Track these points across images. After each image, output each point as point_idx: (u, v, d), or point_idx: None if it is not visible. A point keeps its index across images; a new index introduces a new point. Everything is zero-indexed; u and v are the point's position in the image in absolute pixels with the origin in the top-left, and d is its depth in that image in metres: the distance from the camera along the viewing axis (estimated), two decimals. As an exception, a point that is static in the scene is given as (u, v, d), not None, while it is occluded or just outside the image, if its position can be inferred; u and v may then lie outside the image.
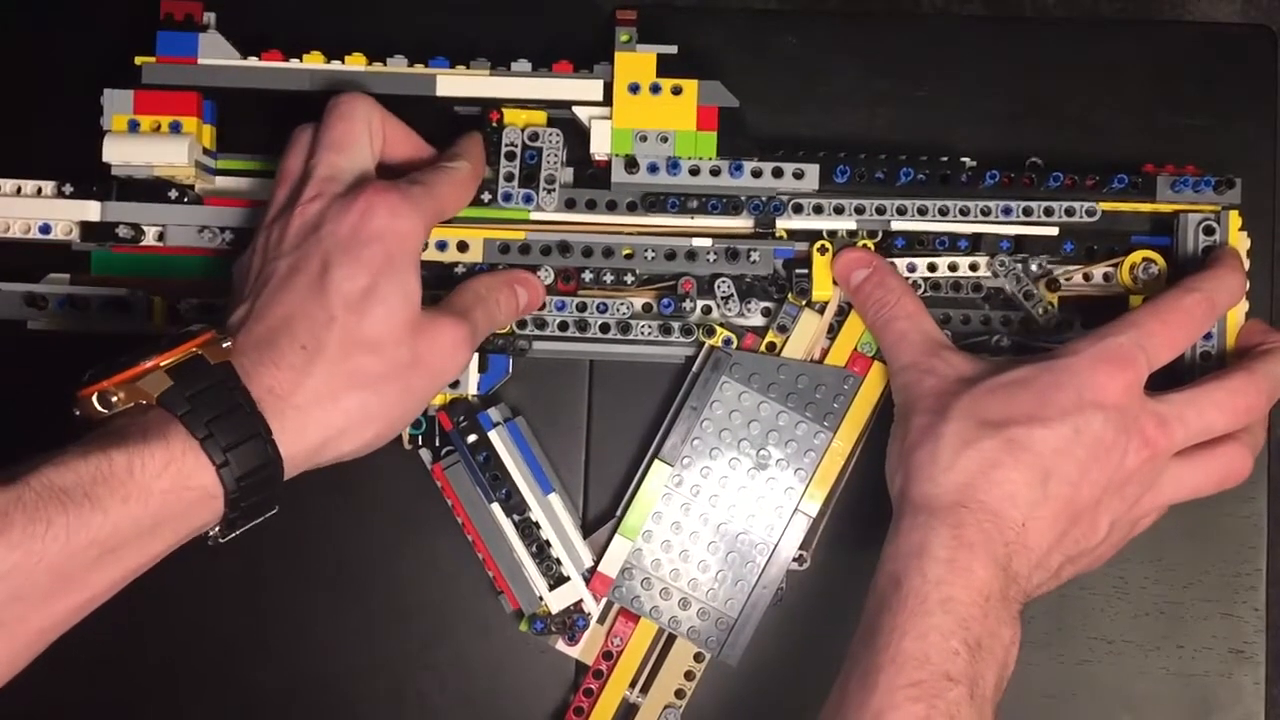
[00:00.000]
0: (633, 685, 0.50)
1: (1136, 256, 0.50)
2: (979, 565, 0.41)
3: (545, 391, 0.53)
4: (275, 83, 0.50)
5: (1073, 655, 0.52)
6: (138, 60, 0.50)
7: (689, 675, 0.50)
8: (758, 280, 0.51)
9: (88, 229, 0.50)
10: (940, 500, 0.43)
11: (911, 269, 0.50)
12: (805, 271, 0.50)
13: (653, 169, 0.50)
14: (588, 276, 0.51)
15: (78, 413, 0.39)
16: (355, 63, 0.50)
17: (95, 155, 0.49)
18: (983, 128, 0.54)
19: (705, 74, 0.50)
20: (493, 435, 0.50)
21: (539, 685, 0.52)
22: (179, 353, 0.39)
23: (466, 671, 0.52)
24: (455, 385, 0.50)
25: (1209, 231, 0.50)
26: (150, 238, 0.51)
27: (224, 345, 0.40)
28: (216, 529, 0.40)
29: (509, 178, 0.50)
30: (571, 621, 0.50)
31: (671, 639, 0.50)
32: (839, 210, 0.50)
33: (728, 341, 0.50)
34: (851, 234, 0.51)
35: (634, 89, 0.50)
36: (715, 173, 0.50)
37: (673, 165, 0.50)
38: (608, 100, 0.50)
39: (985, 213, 0.50)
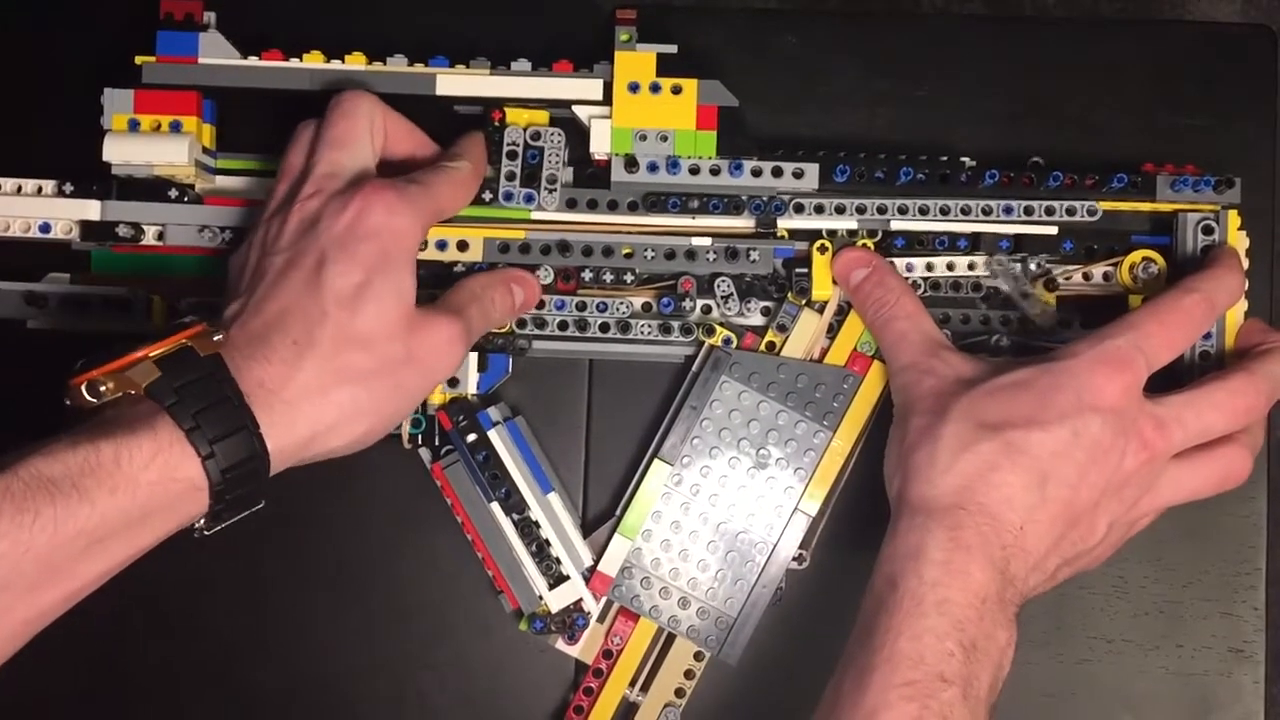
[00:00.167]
0: (633, 684, 0.50)
1: (1136, 256, 0.50)
2: (975, 568, 0.41)
3: (545, 391, 0.53)
4: (275, 82, 0.50)
5: (1072, 654, 0.52)
6: (138, 60, 0.50)
7: (689, 674, 0.50)
8: (757, 279, 0.51)
9: (88, 228, 0.50)
10: (938, 502, 0.43)
11: (910, 269, 0.50)
12: (805, 271, 0.50)
13: (652, 168, 0.50)
14: (587, 276, 0.51)
15: (69, 402, 0.39)
16: (355, 62, 0.50)
17: (95, 154, 0.49)
18: (983, 128, 0.54)
19: (705, 73, 0.50)
20: (492, 434, 0.50)
21: (539, 684, 0.52)
22: (168, 344, 0.39)
23: (466, 671, 0.52)
24: (455, 384, 0.50)
25: (1208, 231, 0.50)
26: (150, 237, 0.51)
27: (215, 338, 0.40)
28: (203, 522, 0.40)
29: (510, 177, 0.50)
30: (571, 621, 0.50)
31: (671, 638, 0.50)
32: (840, 210, 0.50)
33: (727, 341, 0.50)
34: (851, 233, 0.51)
35: (634, 88, 0.50)
36: (715, 172, 0.50)
37: (672, 164, 0.50)
38: (607, 99, 0.50)
39: (986, 212, 0.50)
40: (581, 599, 0.50)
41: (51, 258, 0.51)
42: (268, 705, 0.52)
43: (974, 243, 0.51)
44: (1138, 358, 0.44)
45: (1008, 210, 0.50)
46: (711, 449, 0.50)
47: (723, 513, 0.50)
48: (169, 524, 0.38)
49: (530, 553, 0.50)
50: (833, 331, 0.51)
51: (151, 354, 0.39)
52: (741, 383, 0.50)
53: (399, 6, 0.54)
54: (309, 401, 0.41)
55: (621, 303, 0.51)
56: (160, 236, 0.51)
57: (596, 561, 0.50)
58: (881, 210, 0.50)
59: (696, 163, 0.50)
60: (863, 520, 0.50)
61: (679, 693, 0.50)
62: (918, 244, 0.51)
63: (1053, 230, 0.51)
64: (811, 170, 0.50)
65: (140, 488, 0.36)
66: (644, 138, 0.50)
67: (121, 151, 0.49)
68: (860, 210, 0.50)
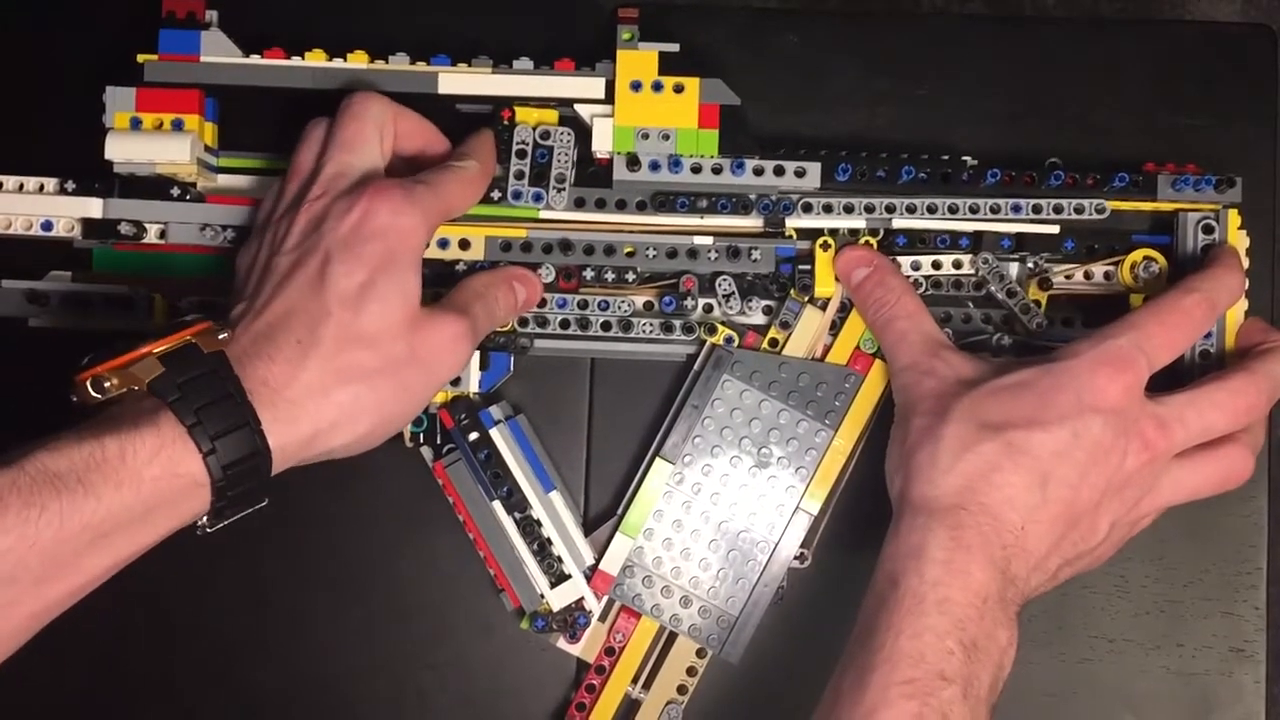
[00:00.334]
0: (634, 681, 0.50)
1: (1137, 255, 0.51)
2: (976, 567, 0.41)
3: (546, 389, 0.53)
4: (277, 80, 0.50)
5: (1073, 654, 0.52)
6: (140, 58, 0.50)
7: (691, 671, 0.50)
8: (759, 278, 0.51)
9: (89, 226, 0.50)
10: (939, 502, 0.43)
11: (916, 267, 0.50)
12: (807, 268, 0.50)
13: (654, 167, 0.50)
14: (589, 274, 0.51)
15: (74, 398, 0.39)
16: (357, 60, 0.50)
17: (97, 153, 0.49)
18: (983, 127, 0.54)
19: (707, 72, 0.50)
20: (494, 433, 0.50)
21: (540, 683, 0.52)
22: (172, 340, 0.40)
23: (467, 670, 0.52)
24: (456, 383, 0.50)
25: (1208, 230, 0.50)
26: (152, 235, 0.51)
27: (220, 336, 0.40)
28: (205, 519, 0.40)
29: (519, 176, 0.50)
30: (573, 619, 0.50)
31: (673, 635, 0.50)
32: (849, 209, 0.50)
33: (729, 340, 0.50)
34: (853, 233, 0.51)
35: (636, 87, 0.50)
36: (717, 170, 0.50)
37: (674, 163, 0.50)
38: (609, 98, 0.50)
39: (995, 210, 0.50)
40: (583, 598, 0.50)
41: (53, 256, 0.51)
42: (268, 705, 0.52)
43: (976, 242, 0.51)
44: (1139, 358, 0.44)
45: (1017, 209, 0.50)
46: (713, 448, 0.50)
47: (724, 512, 0.50)
48: (172, 520, 0.38)
49: (532, 551, 0.50)
50: (835, 329, 0.51)
51: (156, 350, 0.39)
52: (743, 381, 0.50)
53: (401, 5, 0.54)
54: (312, 400, 0.41)
55: (623, 301, 0.51)
56: (162, 235, 0.51)
57: (598, 560, 0.50)
58: (890, 209, 0.50)
59: (698, 161, 0.50)
60: (864, 520, 0.51)
61: (681, 690, 0.50)
62: (919, 243, 0.51)
63: (1054, 229, 0.51)
64: (814, 169, 0.50)
65: (144, 483, 0.37)
66: (646, 136, 0.50)
67: (123, 150, 0.49)
68: (869, 209, 0.50)
